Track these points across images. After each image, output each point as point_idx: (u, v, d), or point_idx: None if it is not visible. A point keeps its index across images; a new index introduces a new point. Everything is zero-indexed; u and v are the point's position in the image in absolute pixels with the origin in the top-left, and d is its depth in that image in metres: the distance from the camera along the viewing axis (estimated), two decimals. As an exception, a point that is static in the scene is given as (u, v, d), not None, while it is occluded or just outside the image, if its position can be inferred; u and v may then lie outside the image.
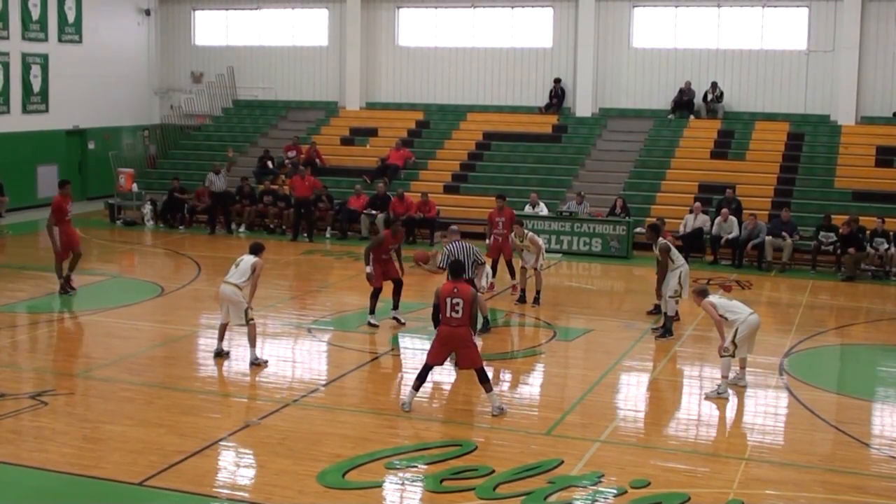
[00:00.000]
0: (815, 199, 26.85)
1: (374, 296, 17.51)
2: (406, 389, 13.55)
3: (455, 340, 13.02)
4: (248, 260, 15.23)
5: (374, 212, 27.44)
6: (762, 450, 12.30)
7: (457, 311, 12.90)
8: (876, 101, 30.31)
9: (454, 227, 17.34)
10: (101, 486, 10.62)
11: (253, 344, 15.17)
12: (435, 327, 13.36)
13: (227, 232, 27.69)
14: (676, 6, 31.88)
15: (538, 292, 19.73)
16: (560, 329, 18.08)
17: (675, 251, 17.71)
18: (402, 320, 17.64)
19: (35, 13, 31.43)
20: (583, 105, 32.45)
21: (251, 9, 36.09)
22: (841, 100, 30.27)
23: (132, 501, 10.46)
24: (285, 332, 17.55)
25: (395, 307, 17.71)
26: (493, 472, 11.05)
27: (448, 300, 12.94)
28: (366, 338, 17.06)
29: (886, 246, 23.66)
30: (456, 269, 13.45)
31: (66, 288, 19.76)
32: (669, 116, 31.50)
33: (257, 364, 15.09)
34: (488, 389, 13.13)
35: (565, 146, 31.41)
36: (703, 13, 31.71)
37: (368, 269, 17.37)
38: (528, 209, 26.10)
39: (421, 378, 13.24)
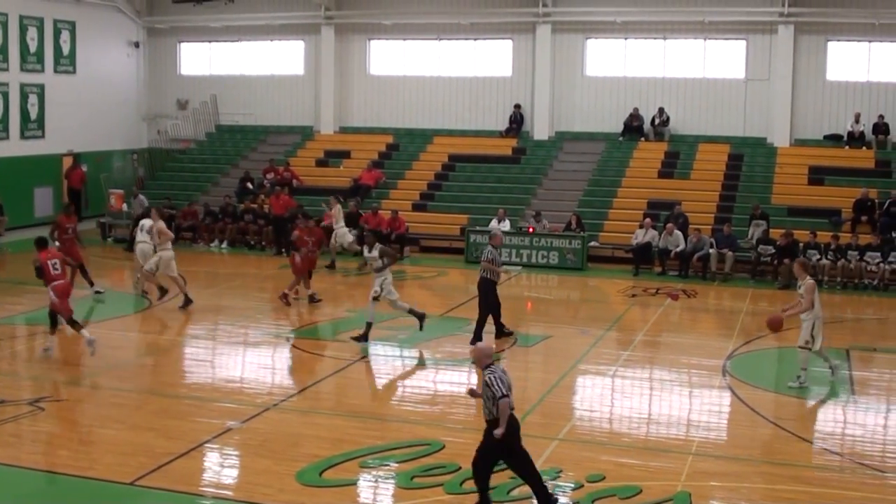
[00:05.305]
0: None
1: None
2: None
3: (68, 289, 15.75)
4: (147, 223, 20.16)
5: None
6: (707, 445, 12.38)
7: (57, 269, 15.40)
8: (808, 124, 30.60)
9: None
10: (95, 486, 10.54)
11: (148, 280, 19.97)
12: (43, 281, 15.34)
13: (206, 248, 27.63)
14: (626, 38, 32.09)
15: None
16: (520, 335, 18.11)
17: None
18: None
19: (32, 46, 31.20)
20: (540, 129, 32.58)
21: (232, 41, 35.98)
22: (776, 124, 30.55)
23: (124, 500, 10.39)
24: (265, 342, 17.49)
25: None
26: (460, 468, 11.04)
27: (49, 263, 15.33)
28: (340, 346, 17.00)
29: (818, 257, 23.92)
30: (39, 241, 15.76)
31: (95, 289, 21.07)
32: (620, 139, 31.68)
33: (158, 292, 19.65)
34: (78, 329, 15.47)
35: (524, 167, 31.49)
36: (651, 45, 31.93)
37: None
38: (493, 223, 26.14)
39: (74, 323, 15.52)
